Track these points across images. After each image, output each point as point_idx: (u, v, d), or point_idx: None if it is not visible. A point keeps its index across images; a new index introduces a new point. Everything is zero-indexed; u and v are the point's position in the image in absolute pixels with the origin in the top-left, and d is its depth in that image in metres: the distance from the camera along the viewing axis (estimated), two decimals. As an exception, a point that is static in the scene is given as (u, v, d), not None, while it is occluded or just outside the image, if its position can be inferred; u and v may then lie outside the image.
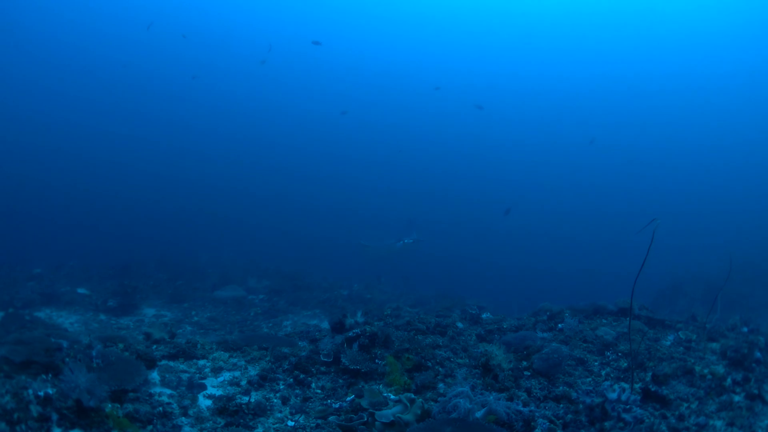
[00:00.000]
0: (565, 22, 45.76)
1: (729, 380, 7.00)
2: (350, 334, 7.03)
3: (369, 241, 18.52)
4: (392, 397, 5.65)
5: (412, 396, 4.86)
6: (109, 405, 4.90)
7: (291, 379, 6.48)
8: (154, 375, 6.22)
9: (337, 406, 5.75)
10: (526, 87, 49.61)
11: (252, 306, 14.33)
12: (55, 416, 4.55)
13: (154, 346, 7.22)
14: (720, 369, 7.27)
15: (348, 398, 5.87)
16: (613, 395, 5.23)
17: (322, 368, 6.68)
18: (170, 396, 5.73)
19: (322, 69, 50.28)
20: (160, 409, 5.30)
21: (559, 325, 7.92)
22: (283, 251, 22.83)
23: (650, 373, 6.73)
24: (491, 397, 4.68)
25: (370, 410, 4.88)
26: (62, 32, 42.69)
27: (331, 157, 43.08)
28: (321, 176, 39.66)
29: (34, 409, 4.48)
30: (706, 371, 7.13)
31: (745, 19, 40.76)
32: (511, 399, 5.28)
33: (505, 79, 49.72)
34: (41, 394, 4.59)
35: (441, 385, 5.70)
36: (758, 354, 7.82)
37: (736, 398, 6.71)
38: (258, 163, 41.37)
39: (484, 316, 9.21)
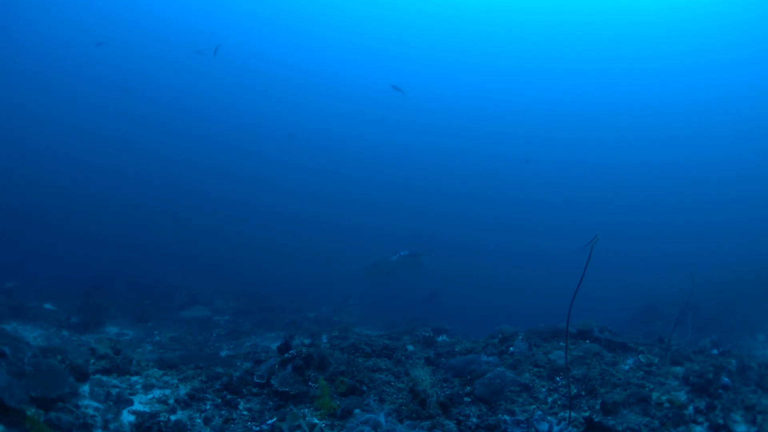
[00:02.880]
0: (528, 36, 45.93)
1: (691, 408, 6.53)
2: (286, 355, 6.73)
3: (366, 262, 17.28)
4: (315, 421, 5.36)
5: (315, 421, 4.56)
6: (33, 409, 5.11)
7: (219, 400, 6.24)
8: (85, 388, 6.16)
9: (257, 429, 5.51)
10: (501, 100, 49.50)
11: (216, 327, 14.01)
12: (-15, 410, 4.93)
13: (92, 360, 7.10)
14: (681, 396, 6.82)
15: (270, 421, 5.58)
16: (543, 426, 4.86)
17: (254, 390, 6.44)
18: (96, 409, 5.71)
19: (298, 80, 49.83)
20: (82, 420, 5.35)
21: (510, 349, 7.56)
22: (257, 270, 22.48)
23: (600, 401, 6.35)
24: (400, 427, 4.33)
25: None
26: (29, 30, 41.73)
27: (311, 173, 42.49)
28: (299, 193, 39.13)
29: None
30: (664, 398, 6.65)
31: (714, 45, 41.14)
32: (433, 428, 4.93)
33: (479, 94, 49.55)
34: (-22, 390, 4.98)
35: (357, 410, 5.37)
36: (725, 379, 7.31)
37: (698, 429, 6.25)
38: (236, 180, 40.84)
39: (439, 338, 8.85)
